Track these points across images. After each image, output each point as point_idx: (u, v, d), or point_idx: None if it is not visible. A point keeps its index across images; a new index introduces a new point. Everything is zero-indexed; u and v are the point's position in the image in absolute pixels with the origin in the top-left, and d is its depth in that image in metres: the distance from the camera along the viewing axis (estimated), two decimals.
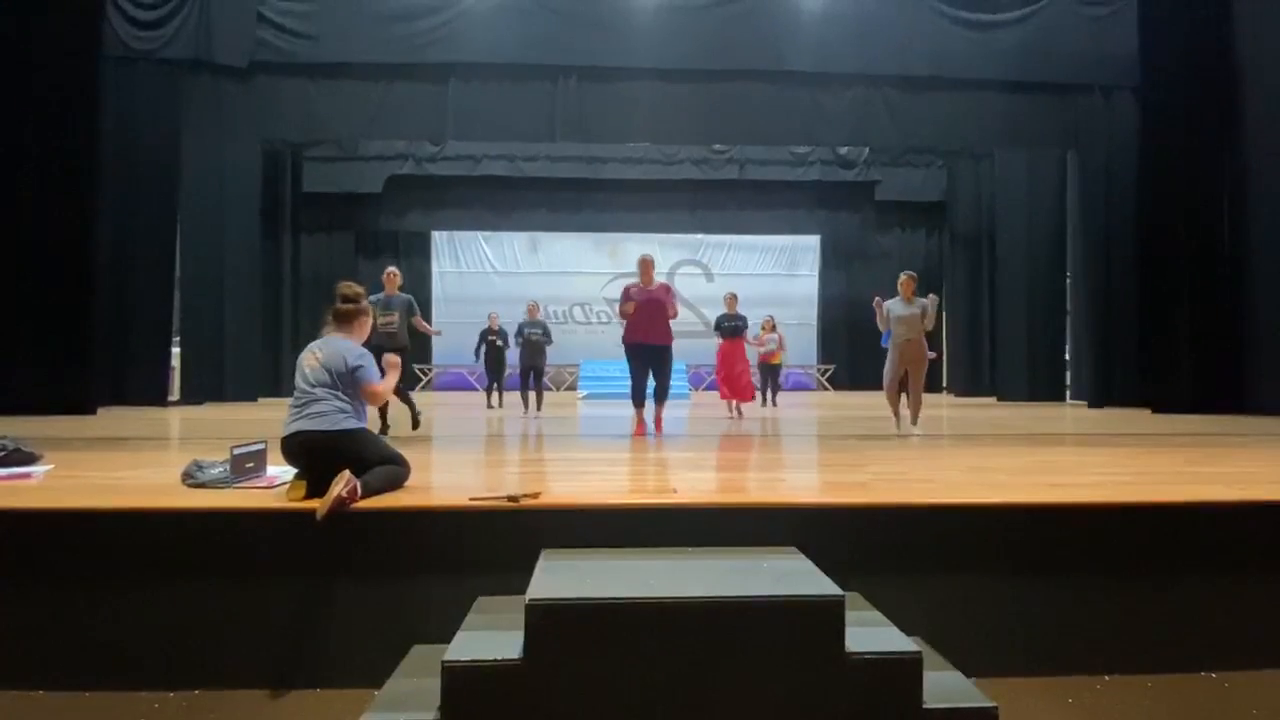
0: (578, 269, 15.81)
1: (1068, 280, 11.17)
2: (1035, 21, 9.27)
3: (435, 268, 15.39)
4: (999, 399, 11.52)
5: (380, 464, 2.97)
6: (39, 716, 2.45)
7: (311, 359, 3.01)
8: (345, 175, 13.69)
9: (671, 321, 5.71)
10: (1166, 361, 8.52)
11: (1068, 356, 11.42)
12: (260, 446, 3.29)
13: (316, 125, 9.53)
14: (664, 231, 15.45)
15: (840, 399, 12.59)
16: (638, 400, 5.84)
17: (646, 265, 5.70)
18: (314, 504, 2.64)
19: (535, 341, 8.59)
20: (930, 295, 5.86)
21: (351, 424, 2.96)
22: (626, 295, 5.62)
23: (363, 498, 2.73)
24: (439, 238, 15.57)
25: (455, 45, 8.88)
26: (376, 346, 4.48)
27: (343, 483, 2.64)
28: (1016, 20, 9.31)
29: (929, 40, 9.13)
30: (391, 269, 6.20)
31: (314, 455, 2.85)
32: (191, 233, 9.66)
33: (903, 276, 5.95)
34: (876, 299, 5.90)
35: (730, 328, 8.15)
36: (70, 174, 7.56)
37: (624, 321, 5.71)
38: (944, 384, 14.19)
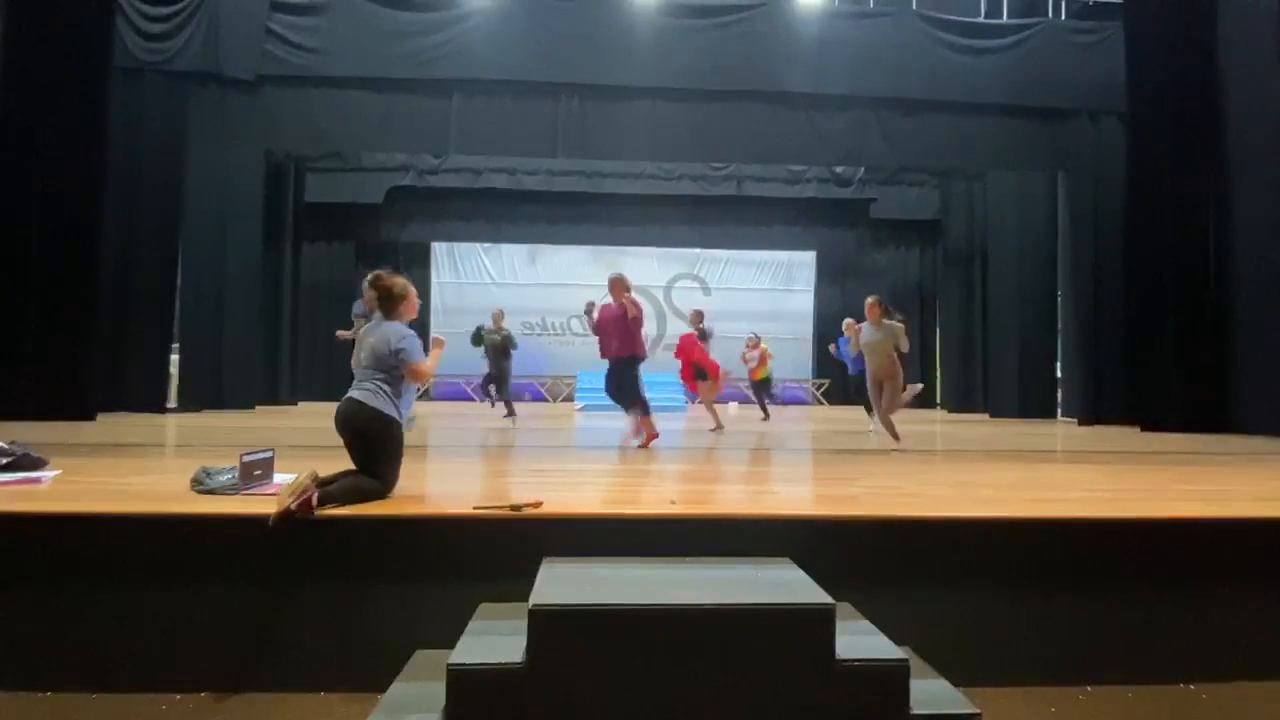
0: (576, 281, 15.88)
1: (1059, 299, 11.33)
2: (1026, 47, 9.51)
3: (435, 278, 15.45)
4: (991, 415, 11.61)
5: (370, 474, 3.06)
6: (49, 718, 2.48)
7: (367, 341, 3.24)
8: (347, 186, 13.79)
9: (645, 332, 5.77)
10: (1155, 380, 8.61)
11: (1059, 374, 11.54)
12: (269, 454, 3.35)
13: (321, 138, 9.67)
14: (662, 245, 15.61)
15: (834, 414, 12.67)
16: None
17: (613, 283, 5.72)
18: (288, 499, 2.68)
19: (495, 346, 8.58)
20: (899, 317, 5.93)
21: (385, 406, 3.12)
22: (588, 311, 5.86)
23: (319, 506, 2.77)
24: (439, 249, 15.66)
25: (459, 61, 9.04)
26: None
27: (296, 493, 2.69)
28: (1008, 46, 9.55)
29: (923, 64, 9.35)
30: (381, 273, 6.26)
31: (346, 426, 3.12)
32: (193, 241, 9.71)
33: (869, 299, 6.04)
34: (848, 321, 5.88)
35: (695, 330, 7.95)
36: (75, 181, 7.57)
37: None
38: (937, 400, 14.30)
